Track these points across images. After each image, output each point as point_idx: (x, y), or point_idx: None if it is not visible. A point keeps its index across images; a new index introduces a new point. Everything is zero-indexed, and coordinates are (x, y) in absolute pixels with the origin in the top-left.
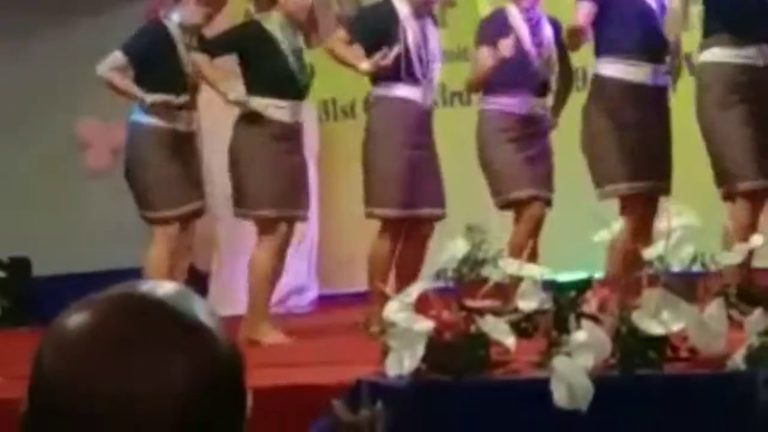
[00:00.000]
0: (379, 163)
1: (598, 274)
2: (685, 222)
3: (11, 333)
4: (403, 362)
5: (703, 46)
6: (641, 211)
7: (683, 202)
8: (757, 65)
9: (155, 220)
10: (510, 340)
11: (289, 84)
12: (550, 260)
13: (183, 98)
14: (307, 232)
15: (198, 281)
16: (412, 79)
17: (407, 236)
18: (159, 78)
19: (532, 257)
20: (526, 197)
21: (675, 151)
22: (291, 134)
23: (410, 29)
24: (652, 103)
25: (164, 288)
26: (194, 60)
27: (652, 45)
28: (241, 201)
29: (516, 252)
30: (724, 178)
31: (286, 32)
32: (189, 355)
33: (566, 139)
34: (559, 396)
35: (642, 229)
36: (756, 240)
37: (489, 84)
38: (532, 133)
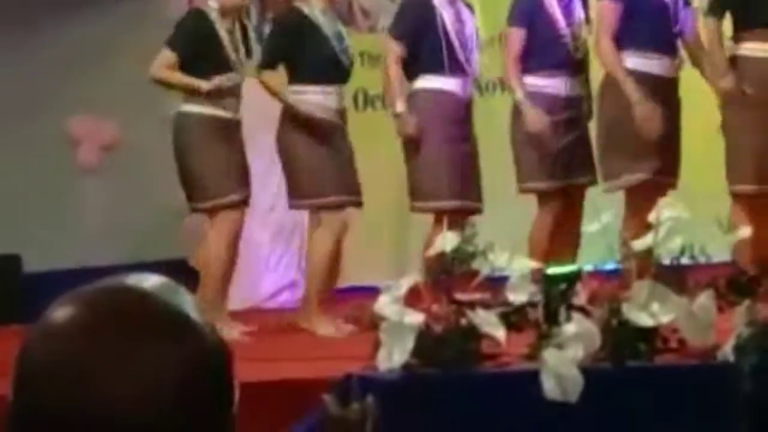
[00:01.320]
0: (422, 157)
1: (589, 266)
2: (675, 214)
3: (2, 330)
4: (393, 356)
5: (737, 40)
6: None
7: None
8: None
9: (213, 209)
10: (500, 333)
11: (335, 69)
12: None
13: (231, 83)
14: (297, 228)
15: (190, 277)
16: (455, 68)
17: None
18: (205, 67)
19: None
20: (553, 189)
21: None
22: (339, 119)
23: (447, 17)
24: (666, 96)
25: (150, 281)
26: (263, 80)
27: (666, 37)
28: (295, 191)
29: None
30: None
31: (327, 16)
32: (175, 347)
33: None
34: (550, 388)
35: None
36: (744, 231)
37: (526, 65)
38: (572, 117)
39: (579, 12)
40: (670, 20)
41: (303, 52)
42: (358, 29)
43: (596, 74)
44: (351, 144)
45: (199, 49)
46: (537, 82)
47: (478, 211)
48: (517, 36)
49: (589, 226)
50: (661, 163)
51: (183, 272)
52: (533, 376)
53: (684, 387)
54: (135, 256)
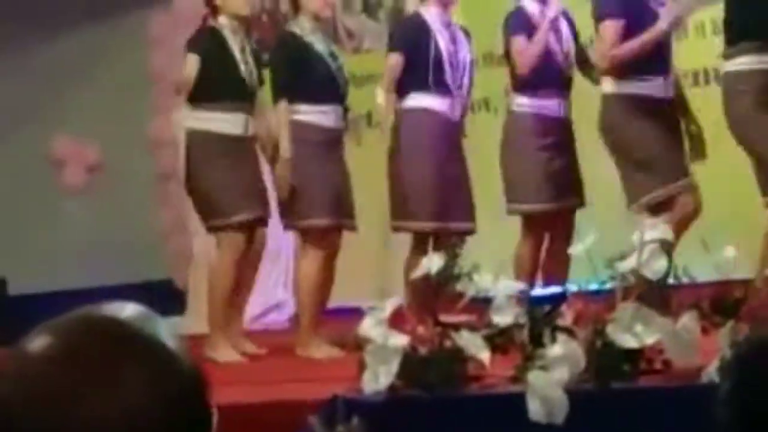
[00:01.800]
0: (405, 176)
1: (573, 287)
2: (659, 235)
3: None
4: (378, 378)
5: (728, 56)
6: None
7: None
8: None
9: (221, 227)
10: (485, 355)
11: (331, 88)
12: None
13: (240, 102)
14: (283, 247)
15: (176, 298)
16: (442, 88)
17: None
18: (216, 83)
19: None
20: (545, 211)
21: None
22: (335, 139)
23: (441, 38)
24: (665, 116)
25: (127, 310)
26: (279, 113)
27: (663, 57)
28: (287, 211)
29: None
30: None
31: (318, 35)
32: (150, 375)
33: None
34: (535, 410)
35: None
36: (729, 251)
37: (521, 84)
38: (565, 139)
39: (567, 31)
40: (668, 41)
41: (299, 73)
42: (343, 50)
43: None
44: (346, 165)
45: (210, 65)
46: (532, 101)
47: (467, 231)
48: (524, 43)
49: (573, 247)
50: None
51: (168, 293)
52: (519, 398)
53: (669, 408)
54: (120, 277)
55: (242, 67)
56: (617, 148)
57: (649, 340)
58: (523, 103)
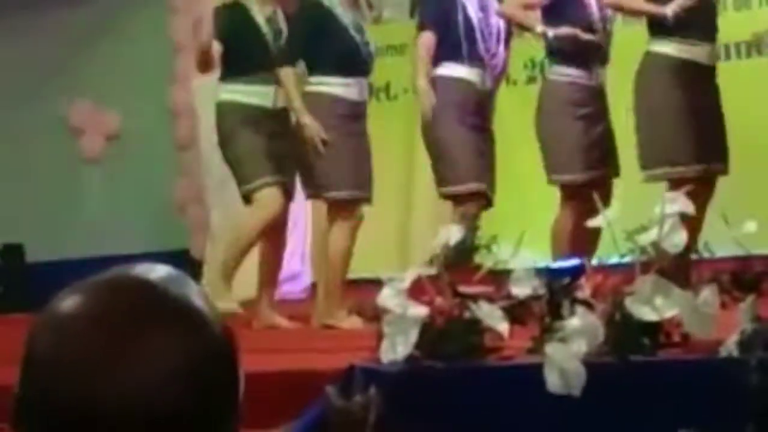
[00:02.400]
0: (443, 140)
1: (593, 260)
2: (680, 208)
3: (6, 319)
4: (396, 348)
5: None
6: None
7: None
8: None
9: (254, 188)
10: (503, 326)
11: (355, 60)
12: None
13: (266, 74)
14: (299, 219)
15: (192, 268)
16: (474, 59)
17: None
18: (242, 57)
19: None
20: (580, 181)
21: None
22: (358, 113)
23: (470, 6)
24: (705, 83)
25: (158, 271)
26: (281, 78)
27: (709, 23)
28: (312, 182)
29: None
30: None
31: (345, 6)
32: (181, 337)
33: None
34: (552, 381)
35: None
36: (750, 226)
37: (557, 52)
38: (598, 109)
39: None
40: (711, 4)
41: (322, 44)
42: (363, 20)
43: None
44: (368, 140)
45: (238, 42)
46: (568, 70)
47: (490, 202)
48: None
49: (593, 220)
50: (706, 151)
51: (185, 263)
52: (536, 370)
53: (687, 381)
54: (137, 247)
55: (269, 38)
56: (648, 111)
57: (668, 313)
58: (560, 71)
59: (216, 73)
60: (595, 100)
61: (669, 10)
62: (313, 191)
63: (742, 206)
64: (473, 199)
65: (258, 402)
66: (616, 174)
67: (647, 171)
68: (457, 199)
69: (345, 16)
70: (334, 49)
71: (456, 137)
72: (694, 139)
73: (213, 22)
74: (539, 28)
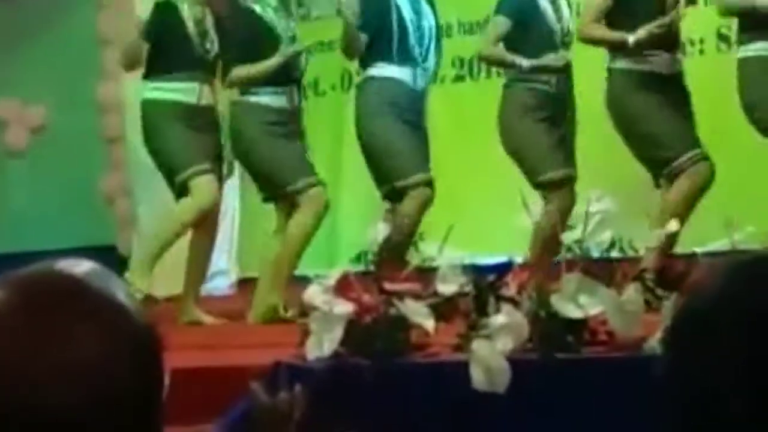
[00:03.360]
0: (379, 139)
1: (519, 258)
2: (604, 207)
3: None
4: (322, 345)
5: (742, 42)
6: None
7: None
8: None
9: (183, 180)
10: (429, 324)
11: (286, 70)
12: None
13: (192, 72)
14: (227, 215)
15: (119, 264)
16: (406, 59)
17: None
18: (169, 56)
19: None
20: (560, 178)
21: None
22: (289, 118)
23: (403, 7)
24: (669, 91)
25: (81, 266)
26: (235, 73)
27: (667, 36)
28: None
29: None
30: None
31: (279, 14)
32: (103, 331)
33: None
34: (478, 378)
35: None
36: (672, 225)
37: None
38: (561, 112)
39: (566, 9)
40: (665, 11)
41: (256, 55)
42: (291, 17)
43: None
44: (305, 140)
45: (165, 41)
46: (528, 74)
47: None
48: (501, 24)
49: (518, 217)
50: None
51: (112, 259)
52: (462, 367)
53: (611, 379)
54: (63, 242)
55: (195, 39)
56: (621, 123)
57: (593, 311)
58: (517, 76)
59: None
60: (554, 105)
61: (631, 39)
62: (260, 191)
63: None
64: (417, 192)
65: (184, 398)
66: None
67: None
68: (402, 193)
69: (278, 23)
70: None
71: (396, 132)
72: (678, 136)
73: (141, 29)
74: (524, 62)
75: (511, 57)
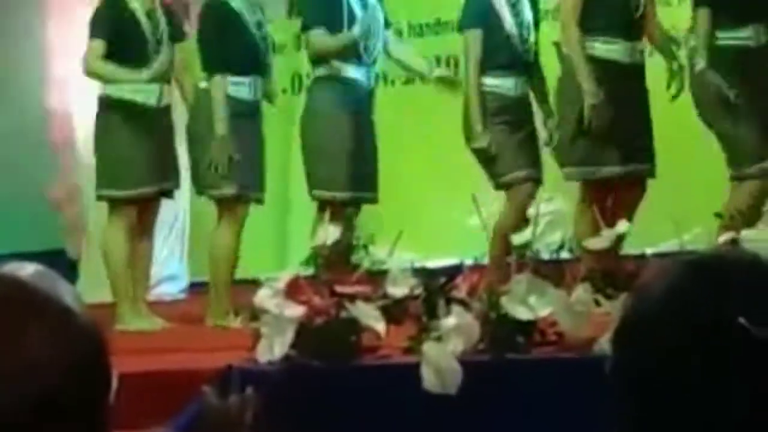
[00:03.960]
0: (321, 143)
1: (470, 260)
2: (554, 208)
3: None
4: (273, 348)
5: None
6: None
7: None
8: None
9: (114, 197)
10: (380, 326)
11: (251, 58)
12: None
13: (150, 70)
14: (178, 219)
15: (68, 268)
16: (356, 58)
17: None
18: (124, 50)
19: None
20: (522, 178)
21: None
22: (250, 111)
23: (355, 6)
24: (630, 82)
25: (27, 269)
26: (213, 86)
27: (628, 22)
28: (199, 179)
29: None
30: None
31: (246, 2)
32: (49, 333)
33: (449, 125)
34: (429, 380)
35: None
36: (621, 226)
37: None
38: (520, 118)
39: (527, 13)
40: (630, 4)
41: (221, 42)
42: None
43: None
44: (262, 139)
45: (119, 35)
46: (487, 81)
47: (371, 200)
48: (475, 37)
49: (470, 220)
50: (632, 152)
51: (61, 263)
52: (413, 369)
53: (561, 379)
54: (12, 246)
55: (148, 33)
56: (568, 103)
57: (543, 312)
58: (480, 83)
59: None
60: (516, 110)
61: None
62: (203, 189)
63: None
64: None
65: (135, 402)
66: (540, 180)
67: (564, 169)
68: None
69: (247, 12)
70: (231, 49)
71: (335, 142)
72: (614, 139)
73: (92, 20)
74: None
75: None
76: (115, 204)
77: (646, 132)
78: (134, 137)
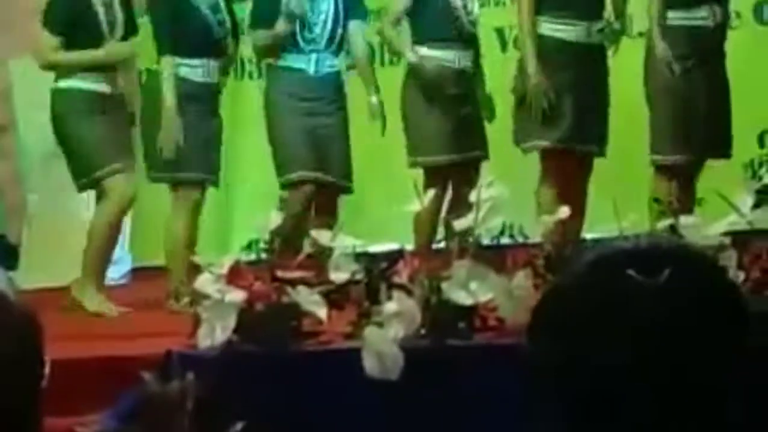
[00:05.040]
0: (276, 131)
1: (410, 245)
2: (496, 193)
3: None
4: (214, 333)
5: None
6: (563, 172)
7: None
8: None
9: (97, 179)
10: (322, 311)
11: (203, 40)
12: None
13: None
14: None
15: (8, 253)
16: (297, 47)
17: (317, 208)
18: (77, 35)
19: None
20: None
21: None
22: (205, 94)
23: None
24: (587, 63)
25: None
26: (163, 66)
27: (588, 2)
28: (156, 165)
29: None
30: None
31: None
32: None
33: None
34: (370, 365)
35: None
36: (563, 211)
37: (419, 36)
38: (464, 91)
39: None
40: None
41: (175, 27)
42: None
43: None
44: (218, 120)
45: (75, 25)
46: (429, 53)
47: (345, 189)
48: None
49: (410, 205)
50: (579, 132)
51: (1, 248)
52: (354, 354)
53: (502, 364)
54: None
55: (104, 23)
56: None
57: (484, 297)
58: (421, 54)
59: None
60: (459, 83)
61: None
62: (157, 173)
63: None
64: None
65: (74, 389)
66: (485, 157)
67: (521, 145)
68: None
69: None
70: (181, 31)
71: (290, 128)
72: (567, 116)
73: (45, 12)
74: (412, 57)
75: (402, 48)
76: (100, 187)
77: (601, 112)
78: (93, 122)
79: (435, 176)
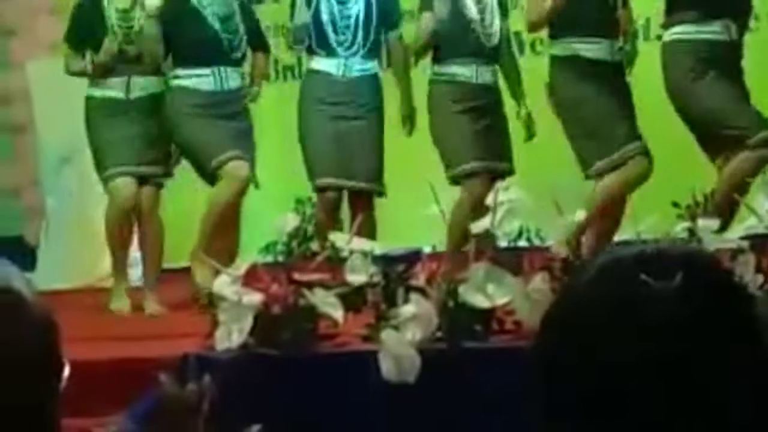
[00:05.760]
0: (304, 135)
1: (428, 248)
2: (513, 197)
3: None
4: (231, 336)
5: (667, 25)
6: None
7: None
8: (722, 40)
9: (110, 176)
10: (338, 314)
11: (213, 50)
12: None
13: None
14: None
15: (26, 254)
16: (326, 49)
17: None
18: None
19: None
20: (477, 170)
21: None
22: (219, 102)
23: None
24: (610, 80)
25: None
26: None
27: (605, 19)
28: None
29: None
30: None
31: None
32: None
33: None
34: (387, 368)
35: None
36: (580, 215)
37: (437, 53)
38: (486, 103)
39: (493, 1)
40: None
41: (179, 36)
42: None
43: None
44: (244, 124)
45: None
46: (448, 69)
47: (374, 193)
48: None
49: (428, 210)
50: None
51: (19, 250)
52: (371, 357)
53: (518, 367)
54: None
55: (119, 33)
56: (561, 112)
57: (501, 300)
58: (439, 71)
59: (49, 54)
60: (478, 97)
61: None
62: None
63: (574, 196)
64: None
65: (90, 390)
66: (510, 170)
67: (587, 171)
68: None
69: (208, 6)
70: (188, 41)
71: (317, 132)
72: (603, 134)
73: (65, 39)
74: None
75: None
76: (112, 183)
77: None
78: (114, 126)
79: (465, 185)
